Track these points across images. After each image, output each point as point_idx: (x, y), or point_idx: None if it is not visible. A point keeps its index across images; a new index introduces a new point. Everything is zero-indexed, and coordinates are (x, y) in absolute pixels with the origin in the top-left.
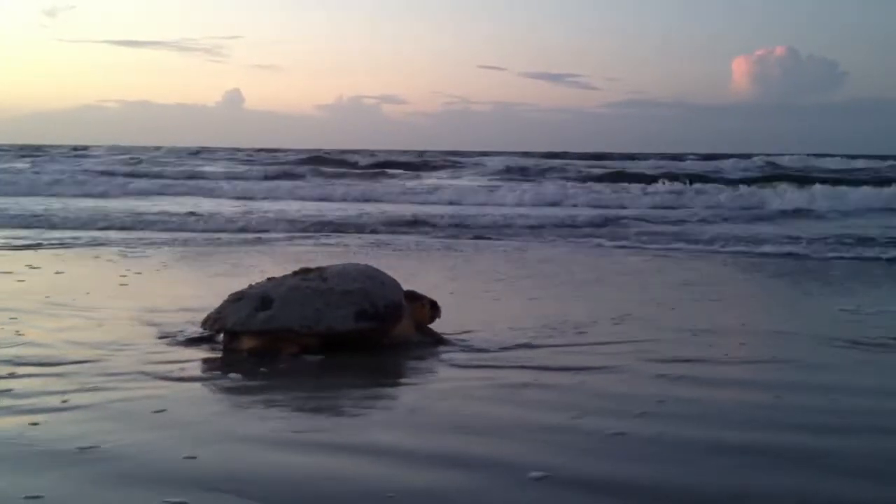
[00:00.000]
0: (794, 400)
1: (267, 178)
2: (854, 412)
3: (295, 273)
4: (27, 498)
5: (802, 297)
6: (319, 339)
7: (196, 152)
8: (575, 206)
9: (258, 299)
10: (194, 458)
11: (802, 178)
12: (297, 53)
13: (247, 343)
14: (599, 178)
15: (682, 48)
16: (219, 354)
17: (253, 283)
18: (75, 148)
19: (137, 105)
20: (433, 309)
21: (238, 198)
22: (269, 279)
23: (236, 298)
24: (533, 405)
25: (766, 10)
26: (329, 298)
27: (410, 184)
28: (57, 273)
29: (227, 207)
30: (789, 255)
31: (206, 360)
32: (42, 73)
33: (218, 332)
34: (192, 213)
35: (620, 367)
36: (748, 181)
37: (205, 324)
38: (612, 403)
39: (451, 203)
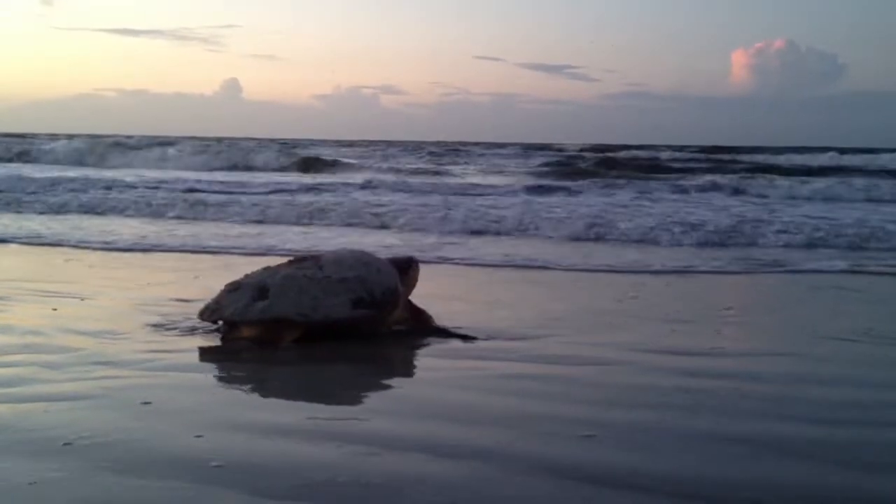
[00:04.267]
0: (799, 392)
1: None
2: (860, 405)
3: (290, 262)
4: (30, 484)
5: None
6: (316, 327)
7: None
8: None
9: (255, 289)
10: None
11: None
12: (294, 43)
13: (244, 332)
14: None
15: (681, 40)
16: (216, 344)
17: (249, 273)
18: None
19: (135, 94)
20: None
21: None
22: (265, 268)
23: (233, 288)
24: (527, 395)
25: (765, 3)
26: (325, 287)
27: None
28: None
29: None
30: None
31: (203, 350)
32: (38, 61)
33: (215, 322)
34: None
35: (621, 360)
36: None
37: (202, 314)
38: (611, 394)
39: None
